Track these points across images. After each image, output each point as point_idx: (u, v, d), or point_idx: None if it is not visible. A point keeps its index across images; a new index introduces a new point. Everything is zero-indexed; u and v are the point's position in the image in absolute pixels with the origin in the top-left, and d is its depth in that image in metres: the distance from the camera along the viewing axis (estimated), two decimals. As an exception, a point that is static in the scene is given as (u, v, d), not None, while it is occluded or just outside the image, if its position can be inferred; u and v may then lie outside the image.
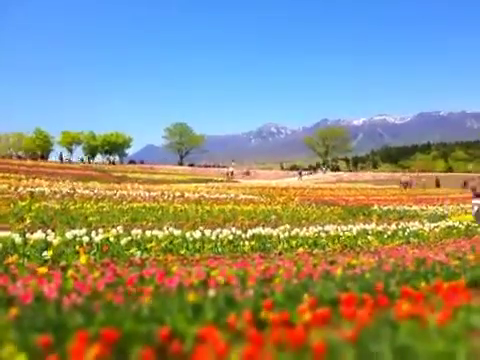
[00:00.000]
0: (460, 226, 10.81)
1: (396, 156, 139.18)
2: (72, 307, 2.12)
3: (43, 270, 3.08)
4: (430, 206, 17.85)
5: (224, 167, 56.65)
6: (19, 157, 53.44)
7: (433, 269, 3.34)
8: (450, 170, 72.14)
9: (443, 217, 14.13)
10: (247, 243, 6.65)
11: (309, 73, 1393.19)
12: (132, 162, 60.06)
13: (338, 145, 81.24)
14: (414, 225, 10.25)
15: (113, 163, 60.75)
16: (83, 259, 3.78)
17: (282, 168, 74.20)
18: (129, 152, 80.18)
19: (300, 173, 49.44)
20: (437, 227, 10.41)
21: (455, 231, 10.29)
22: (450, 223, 11.20)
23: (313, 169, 66.01)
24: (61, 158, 60.23)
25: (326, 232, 8.17)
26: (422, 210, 16.25)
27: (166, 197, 15.90)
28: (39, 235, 5.27)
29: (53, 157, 65.67)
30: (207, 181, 34.31)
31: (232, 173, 44.89)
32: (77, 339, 1.61)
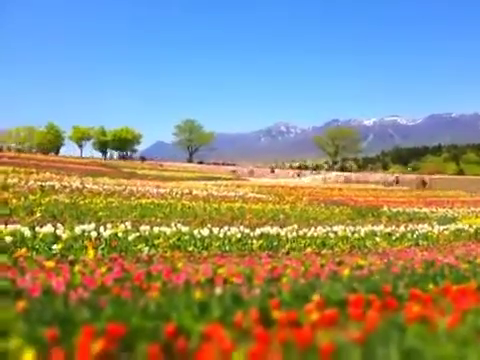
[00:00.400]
0: (469, 229, 10.71)
1: (406, 158, 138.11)
2: (79, 301, 2.13)
3: (51, 264, 3.10)
4: (440, 208, 17.70)
5: (233, 165, 56.80)
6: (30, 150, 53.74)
7: (442, 272, 3.30)
8: (461, 172, 71.48)
9: (453, 220, 14.01)
10: (255, 242, 6.65)
11: (320, 73, 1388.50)
12: (143, 158, 60.36)
13: (348, 145, 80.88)
14: (423, 227, 10.17)
15: (126, 158, 61.13)
16: (91, 254, 3.80)
17: (291, 167, 74.07)
18: (139, 148, 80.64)
19: (298, 174, 48.51)
20: (447, 230, 10.32)
21: (464, 234, 10.20)
22: (460, 226, 11.10)
23: (314, 169, 65.66)
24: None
25: (334, 233, 8.13)
26: (432, 212, 16.13)
27: (174, 194, 15.95)
28: (48, 229, 5.31)
29: (65, 151, 66.28)
30: (216, 179, 34.38)
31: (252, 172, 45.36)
32: (83, 333, 1.61)
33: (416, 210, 16.49)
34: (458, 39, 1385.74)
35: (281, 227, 8.07)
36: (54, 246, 4.29)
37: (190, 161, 67.99)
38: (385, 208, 16.18)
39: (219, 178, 36.73)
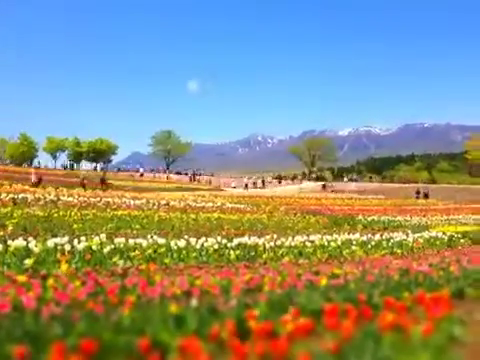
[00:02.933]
0: (443, 237, 10.92)
1: (380, 167, 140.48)
2: (51, 317, 2.07)
3: (22, 279, 3.01)
4: (414, 216, 18.03)
5: (211, 176, 56.86)
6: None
7: (416, 280, 3.35)
8: (434, 182, 73.06)
9: (426, 227, 14.28)
10: (232, 252, 6.62)
11: (296, 84, 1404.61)
12: (119, 170, 59.70)
13: (324, 155, 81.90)
14: (398, 235, 10.32)
15: (103, 170, 60.49)
16: (64, 268, 3.71)
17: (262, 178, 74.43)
18: (115, 159, 79.71)
19: (246, 185, 47.30)
20: (421, 237, 10.50)
21: (438, 242, 10.39)
22: (433, 234, 11.31)
23: (292, 179, 65.96)
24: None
25: (311, 242, 8.17)
26: (406, 220, 16.41)
27: (151, 205, 15.79)
28: (20, 242, 5.16)
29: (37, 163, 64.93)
30: (193, 189, 34.24)
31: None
32: (55, 350, 1.56)
33: (390, 218, 16.75)
34: (430, 51, 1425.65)
35: (259, 237, 8.07)
36: (26, 260, 4.17)
37: (167, 172, 67.50)
38: (360, 217, 16.39)
39: (197, 189, 36.60)
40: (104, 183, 28.65)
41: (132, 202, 16.02)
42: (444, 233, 11.42)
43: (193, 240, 6.81)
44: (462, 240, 11.07)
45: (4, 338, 1.74)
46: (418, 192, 37.34)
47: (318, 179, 65.48)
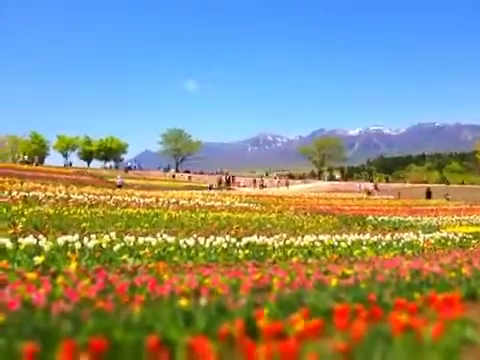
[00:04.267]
0: (455, 237, 10.81)
1: (391, 167, 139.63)
2: (60, 315, 2.08)
3: (32, 276, 3.03)
4: (425, 217, 17.87)
5: (221, 174, 56.29)
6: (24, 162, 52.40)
7: (428, 280, 3.31)
8: (445, 181, 72.38)
9: (437, 228, 14.14)
10: (241, 251, 6.60)
11: (306, 83, 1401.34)
12: (128, 168, 59.81)
13: (334, 154, 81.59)
14: (409, 236, 10.23)
15: (116, 168, 60.93)
16: (73, 265, 3.73)
17: (266, 175, 74.23)
18: (125, 157, 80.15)
19: (287, 183, 45.95)
20: (432, 238, 10.40)
21: (450, 242, 10.29)
22: (444, 234, 11.20)
23: (301, 178, 65.50)
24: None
25: (321, 241, 8.13)
26: (417, 221, 16.27)
27: (161, 204, 15.85)
28: (30, 240, 5.20)
29: (49, 161, 65.56)
30: (202, 188, 34.31)
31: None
32: (64, 348, 1.57)
33: (401, 219, 16.62)
34: (441, 50, 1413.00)
35: (268, 236, 8.05)
36: (36, 258, 4.20)
37: (177, 170, 67.68)
38: (370, 217, 16.29)
39: (207, 188, 36.64)
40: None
41: (142, 200, 16.09)
42: (455, 234, 11.30)
43: (202, 239, 6.81)
44: (474, 241, 10.94)
45: (14, 335, 1.75)
46: (429, 192, 37.20)
47: (332, 179, 65.12)
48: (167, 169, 62.50)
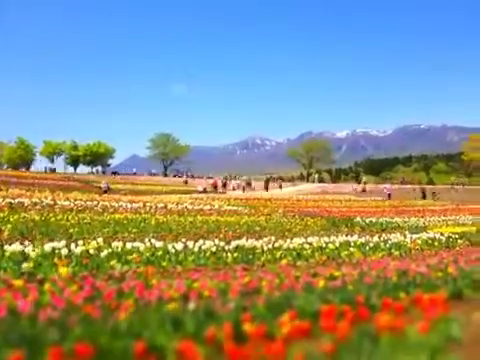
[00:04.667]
0: (441, 238, 10.93)
1: (378, 168, 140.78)
2: (47, 322, 2.06)
3: (19, 283, 2.99)
4: (412, 217, 18.05)
5: (210, 178, 56.33)
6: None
7: (414, 281, 3.35)
8: (431, 182, 73.21)
9: (424, 228, 14.29)
10: (230, 255, 6.61)
11: (294, 85, 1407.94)
12: (115, 173, 59.42)
13: (322, 157, 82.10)
14: (396, 237, 10.32)
15: (103, 173, 60.52)
16: (61, 271, 3.70)
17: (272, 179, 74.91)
18: (113, 162, 79.66)
19: (280, 186, 47.23)
20: (419, 239, 10.50)
21: (436, 243, 10.40)
22: (431, 235, 11.31)
23: (290, 181, 65.76)
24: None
25: (309, 244, 8.17)
26: (404, 222, 16.42)
27: (148, 208, 15.77)
28: (16, 247, 5.15)
29: (34, 167, 64.91)
30: (190, 192, 34.23)
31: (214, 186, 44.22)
32: (51, 355, 1.56)
33: (388, 220, 16.76)
34: (426, 52, 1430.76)
35: (257, 239, 8.06)
36: (23, 265, 4.15)
37: (165, 175, 67.39)
38: (358, 218, 16.40)
39: (195, 191, 36.55)
40: None
41: (129, 205, 16.00)
42: (442, 234, 11.43)
43: (191, 243, 6.80)
44: (460, 241, 11.08)
45: (0, 343, 1.73)
46: (424, 193, 37.75)
47: (322, 181, 65.56)
48: (179, 174, 61.55)
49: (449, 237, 11.22)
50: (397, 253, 8.37)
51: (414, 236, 10.77)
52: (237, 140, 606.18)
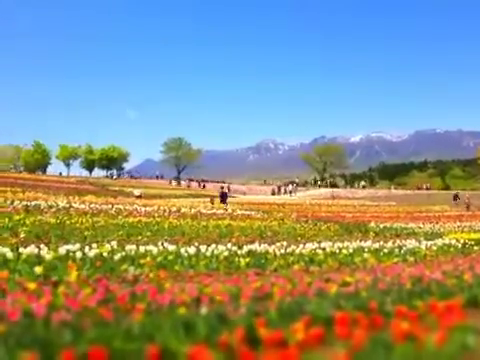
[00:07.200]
0: (457, 244, 10.77)
1: (393, 173, 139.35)
2: (61, 324, 2.08)
3: (33, 286, 3.02)
4: (427, 224, 17.82)
5: (223, 182, 56.57)
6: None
7: (429, 288, 3.30)
8: (447, 188, 72.28)
9: (440, 235, 14.09)
10: (242, 259, 6.59)
11: (307, 90, 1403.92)
12: (132, 177, 60.31)
13: (335, 161, 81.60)
14: (411, 243, 10.19)
15: (119, 176, 61.49)
16: (74, 275, 3.73)
17: (264, 182, 75.24)
18: (127, 166, 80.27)
19: (291, 191, 48.50)
20: (434, 245, 10.36)
21: (452, 249, 10.24)
22: (446, 241, 11.16)
23: (303, 185, 65.72)
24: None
25: (322, 249, 8.11)
26: (419, 228, 16.22)
27: (162, 212, 15.84)
28: (32, 250, 5.20)
29: (52, 170, 65.79)
30: (203, 196, 34.32)
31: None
32: (64, 357, 1.57)
33: (403, 225, 16.57)
34: (443, 56, 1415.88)
35: (269, 244, 8.03)
36: (37, 267, 4.20)
37: (178, 179, 67.64)
38: (372, 224, 16.25)
39: (207, 196, 36.63)
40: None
41: (143, 209, 16.09)
42: (457, 240, 11.25)
43: (203, 247, 6.80)
44: (476, 247, 10.90)
45: (14, 345, 1.75)
46: (456, 197, 36.68)
47: (331, 186, 65.30)
48: (200, 180, 60.86)
49: (465, 243, 11.04)
50: (412, 259, 8.26)
51: (429, 242, 10.63)
52: (250, 144, 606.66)
